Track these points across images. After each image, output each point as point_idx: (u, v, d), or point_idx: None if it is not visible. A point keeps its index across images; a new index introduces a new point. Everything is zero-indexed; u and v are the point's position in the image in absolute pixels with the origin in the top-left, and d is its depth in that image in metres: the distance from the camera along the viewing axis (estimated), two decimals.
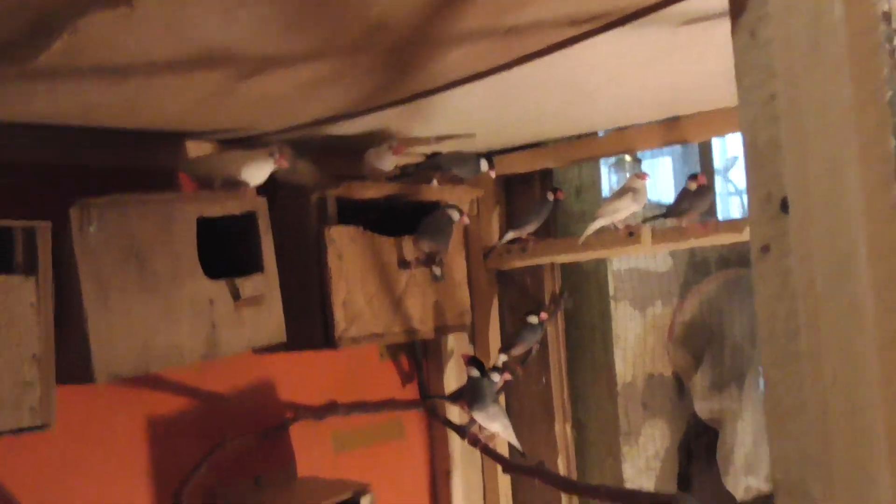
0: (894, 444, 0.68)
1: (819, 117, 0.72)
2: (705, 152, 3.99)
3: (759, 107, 0.82)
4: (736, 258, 3.52)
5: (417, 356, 2.49)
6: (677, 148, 4.05)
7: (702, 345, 3.13)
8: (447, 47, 1.25)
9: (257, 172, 1.74)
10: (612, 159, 3.20)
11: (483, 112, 1.89)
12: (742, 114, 0.83)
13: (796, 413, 0.78)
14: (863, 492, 0.70)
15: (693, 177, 2.14)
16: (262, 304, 1.74)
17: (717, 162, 4.17)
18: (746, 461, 2.80)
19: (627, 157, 3.19)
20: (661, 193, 3.72)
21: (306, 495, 1.96)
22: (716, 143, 4.14)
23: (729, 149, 4.55)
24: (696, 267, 3.31)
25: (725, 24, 0.84)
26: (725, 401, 2.92)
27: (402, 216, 2.12)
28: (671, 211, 2.16)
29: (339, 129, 1.87)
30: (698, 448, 3.12)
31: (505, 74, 1.50)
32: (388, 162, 1.98)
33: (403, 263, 2.04)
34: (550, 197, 2.31)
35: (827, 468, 0.72)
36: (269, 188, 1.85)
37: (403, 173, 2.10)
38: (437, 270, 2.07)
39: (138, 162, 1.76)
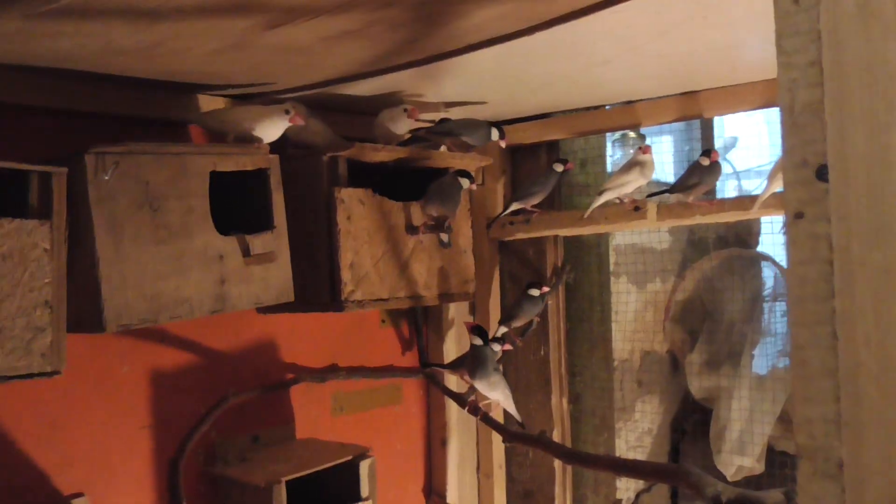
0: None
1: (864, 81, 0.72)
2: (707, 131, 4.00)
3: (800, 71, 0.82)
4: (734, 238, 3.53)
5: (418, 323, 2.49)
6: (678, 126, 4.05)
7: (698, 323, 3.15)
8: (477, 4, 1.24)
9: (272, 129, 1.73)
10: (616, 135, 3.20)
11: (497, 79, 1.88)
12: (782, 78, 0.83)
13: (823, 375, 0.79)
14: (892, 454, 0.71)
15: (707, 153, 2.14)
16: (272, 261, 1.74)
17: (718, 142, 4.17)
18: (738, 441, 2.84)
19: (631, 134, 3.20)
20: (662, 172, 3.73)
21: (306, 456, 1.97)
22: (717, 122, 4.15)
23: (728, 129, 4.55)
24: (695, 245, 3.33)
25: None
26: (720, 379, 2.94)
27: (410, 181, 2.11)
28: (679, 185, 2.16)
29: (353, 89, 1.86)
30: (690, 426, 3.16)
31: (526, 39, 1.49)
32: (403, 125, 1.97)
33: (411, 228, 2.03)
34: (559, 168, 2.31)
35: (857, 430, 0.73)
36: (279, 146, 1.84)
37: (414, 138, 2.09)
38: (444, 237, 2.07)
39: (152, 112, 1.74)
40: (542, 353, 2.56)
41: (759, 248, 3.68)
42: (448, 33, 1.39)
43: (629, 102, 2.26)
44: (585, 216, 2.26)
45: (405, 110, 1.95)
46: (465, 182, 2.00)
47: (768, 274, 3.34)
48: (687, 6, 1.38)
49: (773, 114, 4.86)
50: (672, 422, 3.14)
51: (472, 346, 2.13)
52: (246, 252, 1.69)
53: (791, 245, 0.83)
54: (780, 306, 3.31)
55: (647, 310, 3.05)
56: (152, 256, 1.52)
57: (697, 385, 2.99)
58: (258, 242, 1.72)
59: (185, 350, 1.92)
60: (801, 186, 0.82)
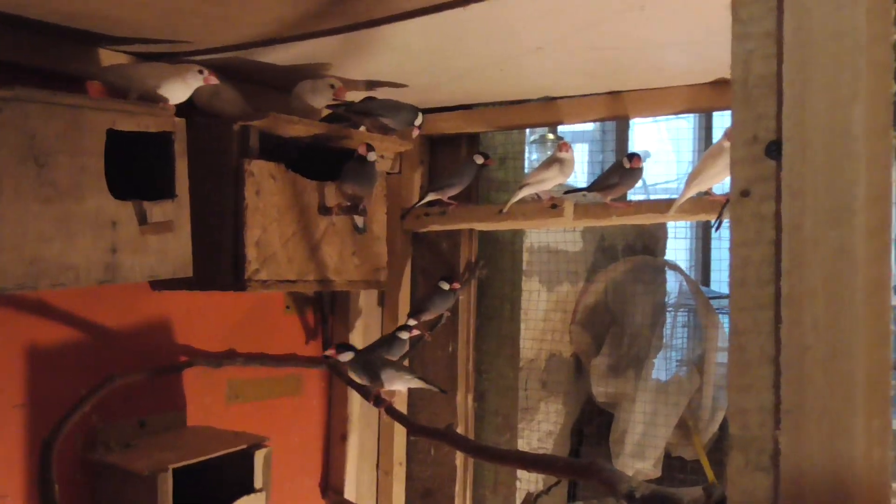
0: (872, 392, 0.66)
1: (829, 50, 0.69)
2: (621, 143, 4.05)
3: (756, 41, 0.78)
4: (641, 247, 3.58)
5: (324, 311, 2.39)
6: (594, 136, 4.09)
7: (603, 329, 3.16)
8: None
9: (181, 89, 1.60)
10: (534, 136, 3.19)
11: (423, 59, 1.81)
12: (736, 49, 0.79)
13: (762, 362, 0.75)
14: (835, 444, 0.67)
15: (630, 156, 2.12)
16: (170, 232, 1.61)
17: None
18: (637, 446, 2.85)
19: (550, 136, 3.19)
20: (576, 179, 3.75)
21: (196, 444, 1.85)
22: (630, 135, 4.21)
23: (639, 143, 4.63)
24: (605, 251, 3.35)
25: None
26: (622, 385, 2.96)
27: (326, 162, 2.02)
28: (597, 184, 2.15)
29: (272, 55, 1.76)
30: (590, 430, 3.16)
31: (460, 12, 1.43)
32: (324, 99, 1.87)
33: (324, 209, 1.94)
34: (479, 160, 2.26)
35: (798, 419, 0.69)
36: (187, 113, 1.72)
37: (333, 115, 2.00)
38: (359, 220, 1.98)
39: (48, 63, 1.59)
40: (450, 349, 2.50)
41: (665, 258, 3.75)
42: None
43: (553, 99, 2.23)
44: (504, 210, 2.22)
45: (331, 86, 1.86)
46: (371, 155, 1.90)
47: (673, 283, 3.40)
48: None
49: (680, 131, 5.00)
50: (573, 424, 3.14)
51: (394, 334, 2.09)
52: (142, 220, 1.56)
53: (735, 225, 0.79)
54: (682, 316, 3.37)
55: (556, 312, 3.04)
56: (35, 216, 1.37)
57: (600, 389, 2.99)
58: (157, 210, 1.59)
59: (68, 324, 1.76)
60: (749, 164, 0.78)
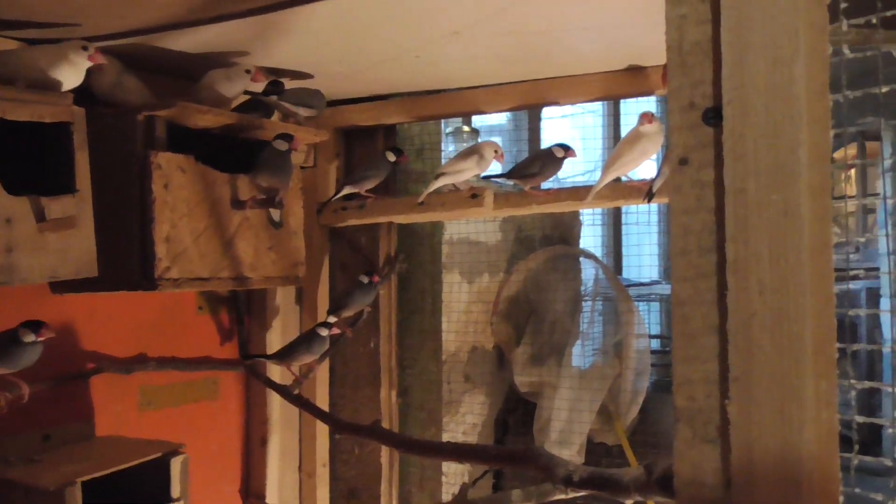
0: (819, 354, 0.65)
1: (767, 11, 0.68)
2: (534, 135, 4.08)
3: (690, 6, 0.77)
4: (558, 237, 3.61)
5: (240, 311, 2.30)
6: (508, 127, 4.10)
7: (524, 319, 3.17)
8: None
9: (69, 71, 1.49)
10: (450, 128, 3.17)
11: (336, 45, 1.75)
12: (669, 14, 0.78)
13: (707, 332, 0.74)
14: (785, 408, 0.66)
15: (562, 146, 2.11)
16: (72, 229, 1.51)
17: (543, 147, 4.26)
18: (562, 433, 2.87)
19: (465, 128, 3.18)
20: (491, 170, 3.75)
21: (107, 455, 1.74)
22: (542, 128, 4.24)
23: (548, 136, 4.65)
24: (522, 242, 3.36)
25: None
26: (544, 374, 2.97)
27: (238, 154, 1.94)
28: (518, 171, 2.13)
29: (176, 41, 1.67)
30: (514, 421, 3.17)
31: None
32: (240, 86, 1.79)
33: (237, 202, 1.86)
34: (391, 157, 2.22)
35: (747, 386, 0.68)
36: (87, 104, 1.61)
37: (245, 105, 1.92)
38: (275, 214, 1.91)
39: None
40: (372, 344, 2.45)
41: (580, 247, 3.80)
42: None
43: (471, 88, 2.20)
44: (420, 200, 2.18)
45: (247, 71, 1.78)
46: (281, 144, 1.83)
47: (589, 272, 3.44)
48: None
49: (587, 129, 5.08)
50: (498, 415, 3.14)
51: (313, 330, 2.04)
52: (40, 216, 1.45)
53: (675, 194, 0.77)
54: (599, 304, 3.41)
55: (477, 304, 3.03)
56: None
57: (522, 379, 3.00)
58: (56, 207, 1.48)
59: None
60: (687, 131, 0.77)
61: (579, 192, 2.10)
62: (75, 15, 1.49)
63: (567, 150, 2.10)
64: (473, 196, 2.17)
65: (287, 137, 1.83)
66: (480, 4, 1.48)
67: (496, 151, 2.14)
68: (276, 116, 2.10)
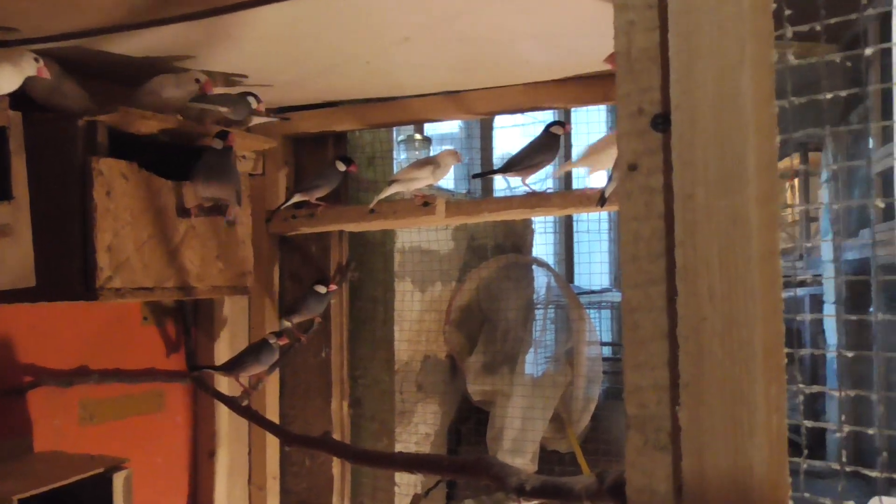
0: (769, 358, 0.65)
1: (713, 17, 0.68)
2: (486, 143, 4.09)
3: (637, 12, 0.77)
4: (510, 245, 3.62)
5: (186, 321, 2.25)
6: (461, 136, 4.11)
7: (476, 328, 3.17)
8: None
9: (8, 77, 1.44)
10: (402, 136, 3.16)
11: (285, 51, 1.73)
12: (618, 20, 0.78)
13: (657, 338, 0.74)
14: (736, 414, 0.66)
15: (558, 124, 2.07)
16: (7, 237, 1.45)
17: (496, 155, 4.28)
18: (515, 441, 2.87)
19: (417, 136, 3.17)
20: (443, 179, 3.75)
21: (46, 471, 1.67)
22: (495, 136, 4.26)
23: (500, 146, 4.67)
24: (475, 251, 3.36)
25: None
26: (497, 382, 2.97)
27: (184, 162, 1.89)
28: (518, 161, 2.08)
29: (119, 45, 1.62)
30: (467, 430, 3.15)
31: None
32: (185, 95, 1.74)
33: (183, 211, 1.81)
34: (342, 167, 2.19)
35: (697, 392, 0.68)
36: (22, 108, 1.55)
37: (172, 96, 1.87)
38: (230, 215, 1.85)
39: None
40: (323, 354, 2.42)
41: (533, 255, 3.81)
42: None
43: (422, 96, 2.20)
44: (371, 207, 2.16)
45: (196, 80, 1.73)
46: (217, 142, 1.78)
47: (541, 280, 3.45)
48: None
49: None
50: (450, 425, 3.12)
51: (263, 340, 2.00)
52: None
53: (624, 200, 0.77)
54: (552, 312, 3.43)
55: (429, 312, 3.02)
56: None
57: (475, 388, 2.99)
58: None
59: None
60: (636, 136, 0.77)
61: (531, 200, 2.11)
62: (12, 18, 1.44)
63: (562, 125, 2.07)
64: (425, 204, 2.16)
65: (223, 135, 1.78)
66: (430, 11, 1.47)
67: (455, 156, 2.12)
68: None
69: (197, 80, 1.75)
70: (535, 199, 2.09)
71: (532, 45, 1.74)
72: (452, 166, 2.14)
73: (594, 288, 4.64)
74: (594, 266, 4.79)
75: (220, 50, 1.70)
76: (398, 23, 1.53)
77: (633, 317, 0.75)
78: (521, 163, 2.06)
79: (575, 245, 4.82)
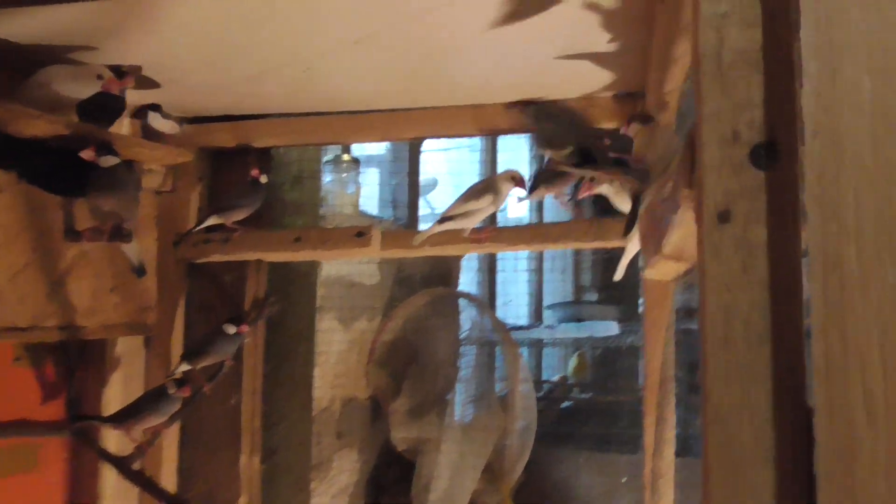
0: None
1: (869, 6, 0.47)
2: (414, 167, 3.86)
3: (734, 2, 0.55)
4: (438, 278, 3.39)
5: (70, 362, 1.90)
6: (388, 158, 3.87)
7: (403, 367, 2.91)
8: None
9: None
10: (329, 155, 2.89)
11: (209, 46, 1.45)
12: (705, 10, 0.56)
13: (759, 464, 0.52)
14: None
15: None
16: None
17: (422, 180, 4.06)
18: (444, 493, 2.61)
19: (345, 157, 2.91)
20: (369, 203, 3.50)
21: None
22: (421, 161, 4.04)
23: (426, 169, 4.45)
24: (403, 283, 3.12)
25: None
26: (424, 429, 2.71)
27: (73, 174, 1.58)
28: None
29: (4, 26, 1.32)
30: (390, 479, 2.88)
31: None
32: (83, 92, 1.43)
33: (72, 233, 1.50)
34: (264, 180, 1.92)
35: None
36: None
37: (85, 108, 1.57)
38: (132, 255, 1.54)
39: None
40: (233, 402, 2.11)
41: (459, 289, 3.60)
42: None
43: (361, 112, 1.95)
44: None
45: (99, 76, 1.43)
46: (109, 159, 1.48)
47: (471, 316, 3.24)
48: None
49: (458, 163, 4.93)
50: (371, 476, 2.84)
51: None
52: None
53: (711, 260, 0.55)
54: (482, 350, 3.21)
55: (352, 351, 2.75)
56: None
57: (400, 437, 2.73)
58: None
59: None
60: (730, 173, 0.55)
61: (478, 234, 1.88)
62: None
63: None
64: (359, 234, 1.91)
65: (107, 150, 1.47)
66: (394, 7, 1.23)
67: (514, 179, 1.75)
68: (128, 128, 1.76)
69: (99, 77, 1.45)
70: (490, 233, 1.87)
71: (494, 61, 1.52)
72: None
73: (521, 324, 4.46)
74: (517, 299, 4.61)
75: (128, 40, 1.41)
76: (353, 21, 1.29)
77: (723, 429, 0.52)
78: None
79: (498, 279, 4.63)
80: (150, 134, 1.64)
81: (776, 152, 0.54)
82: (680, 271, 1.29)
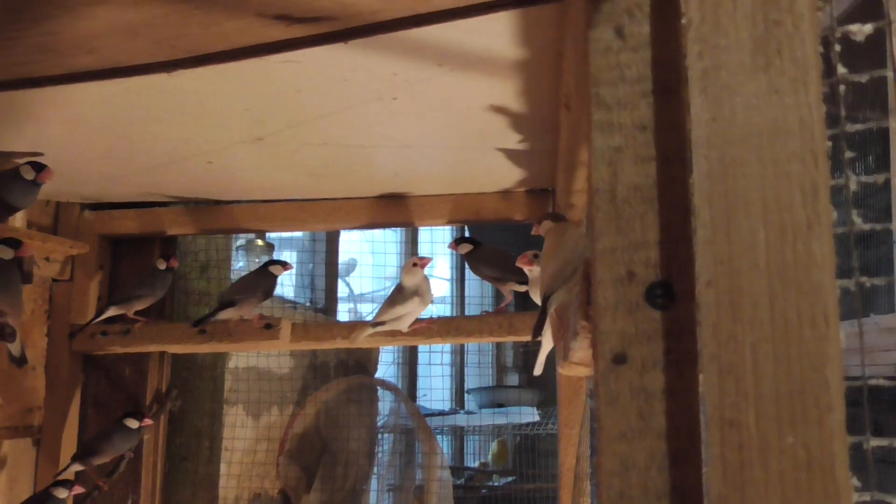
0: None
1: (764, 158, 0.46)
2: (332, 247, 3.81)
3: (626, 135, 0.54)
4: (354, 363, 3.31)
5: None
6: (303, 240, 3.81)
7: (315, 459, 2.80)
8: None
9: None
10: (242, 241, 2.82)
11: (106, 138, 1.40)
12: (598, 144, 0.55)
13: None
14: None
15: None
16: None
17: (341, 260, 4.01)
18: None
19: (259, 242, 2.85)
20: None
21: None
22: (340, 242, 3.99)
23: (343, 252, 4.40)
24: (317, 370, 3.03)
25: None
26: None
27: None
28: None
29: None
30: None
31: (161, 79, 1.07)
32: None
33: None
34: (162, 265, 1.85)
35: None
36: None
37: None
38: (13, 348, 1.44)
39: None
40: (129, 502, 1.97)
41: (378, 375, 3.51)
42: (42, 40, 0.91)
43: (270, 201, 1.91)
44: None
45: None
46: (5, 251, 1.40)
47: (388, 404, 3.16)
48: (384, 81, 1.09)
49: (378, 242, 4.89)
50: None
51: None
52: None
53: (606, 408, 0.52)
54: (398, 439, 3.13)
55: (262, 442, 2.63)
56: None
57: None
58: None
59: None
60: (625, 313, 0.53)
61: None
62: None
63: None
64: (267, 326, 1.84)
65: (14, 243, 1.40)
66: (297, 110, 1.21)
67: (416, 265, 1.73)
68: (21, 218, 1.67)
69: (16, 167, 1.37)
70: (424, 324, 1.83)
71: (403, 155, 1.51)
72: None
73: (440, 409, 4.38)
74: (436, 383, 4.55)
75: (26, 130, 1.34)
76: (253, 120, 1.26)
77: None
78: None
79: (419, 364, 4.56)
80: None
81: (673, 293, 0.52)
82: (591, 373, 1.27)
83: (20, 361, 1.47)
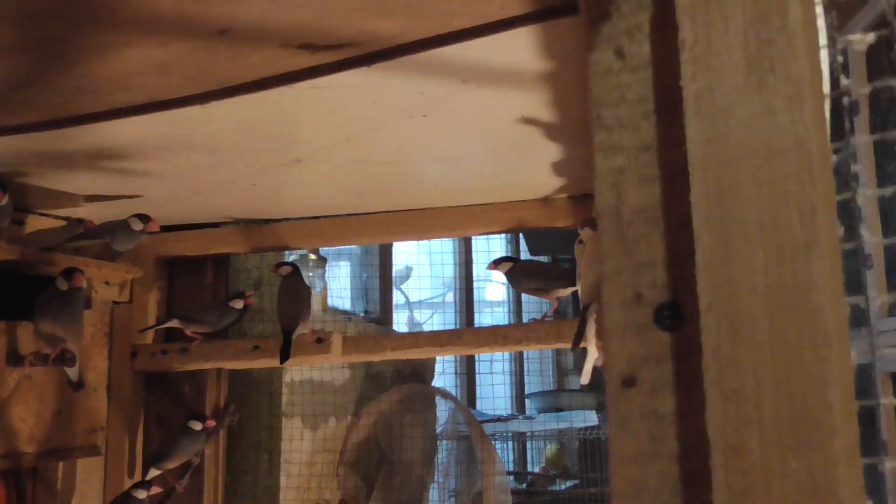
0: None
1: (761, 179, 0.45)
2: (386, 258, 3.84)
3: (629, 157, 0.54)
4: (410, 372, 3.33)
5: (20, 484, 1.83)
6: (356, 250, 3.85)
7: (375, 468, 2.83)
8: (127, 36, 0.83)
9: None
10: (295, 255, 2.87)
11: (155, 167, 1.45)
12: (601, 167, 0.55)
13: None
14: None
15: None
16: None
17: (395, 270, 4.04)
18: None
19: (312, 255, 2.89)
20: (339, 297, 3.47)
21: None
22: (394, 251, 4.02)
23: (399, 257, 4.43)
24: (373, 380, 3.06)
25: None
26: None
27: (17, 297, 1.55)
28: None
29: None
30: None
31: (196, 111, 1.10)
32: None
33: (14, 358, 1.46)
34: (238, 305, 1.91)
35: None
36: None
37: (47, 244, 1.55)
38: (72, 374, 1.50)
39: None
40: None
41: (435, 383, 3.53)
42: (78, 82, 0.95)
43: (314, 218, 1.94)
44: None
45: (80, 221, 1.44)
46: (62, 283, 1.46)
47: (444, 411, 3.17)
48: (411, 100, 1.10)
49: (437, 254, 4.90)
50: None
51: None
52: None
53: (617, 430, 0.52)
54: (456, 446, 3.13)
55: (321, 453, 2.67)
56: None
57: None
58: None
59: None
60: (633, 335, 0.53)
61: (440, 338, 1.86)
62: None
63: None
64: (319, 340, 1.87)
65: (68, 274, 1.46)
66: (332, 132, 1.23)
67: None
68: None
69: (80, 221, 1.46)
70: (444, 337, 1.85)
71: (438, 168, 1.52)
72: None
73: (498, 414, 4.37)
74: (496, 390, 4.53)
75: (70, 165, 1.40)
76: (288, 144, 1.29)
77: None
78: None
79: (476, 367, 4.56)
80: (107, 253, 1.62)
81: (681, 313, 0.52)
82: None
83: (77, 386, 1.53)
